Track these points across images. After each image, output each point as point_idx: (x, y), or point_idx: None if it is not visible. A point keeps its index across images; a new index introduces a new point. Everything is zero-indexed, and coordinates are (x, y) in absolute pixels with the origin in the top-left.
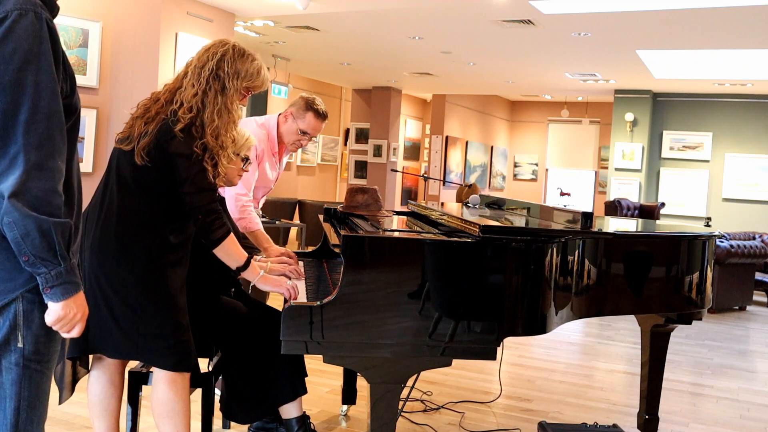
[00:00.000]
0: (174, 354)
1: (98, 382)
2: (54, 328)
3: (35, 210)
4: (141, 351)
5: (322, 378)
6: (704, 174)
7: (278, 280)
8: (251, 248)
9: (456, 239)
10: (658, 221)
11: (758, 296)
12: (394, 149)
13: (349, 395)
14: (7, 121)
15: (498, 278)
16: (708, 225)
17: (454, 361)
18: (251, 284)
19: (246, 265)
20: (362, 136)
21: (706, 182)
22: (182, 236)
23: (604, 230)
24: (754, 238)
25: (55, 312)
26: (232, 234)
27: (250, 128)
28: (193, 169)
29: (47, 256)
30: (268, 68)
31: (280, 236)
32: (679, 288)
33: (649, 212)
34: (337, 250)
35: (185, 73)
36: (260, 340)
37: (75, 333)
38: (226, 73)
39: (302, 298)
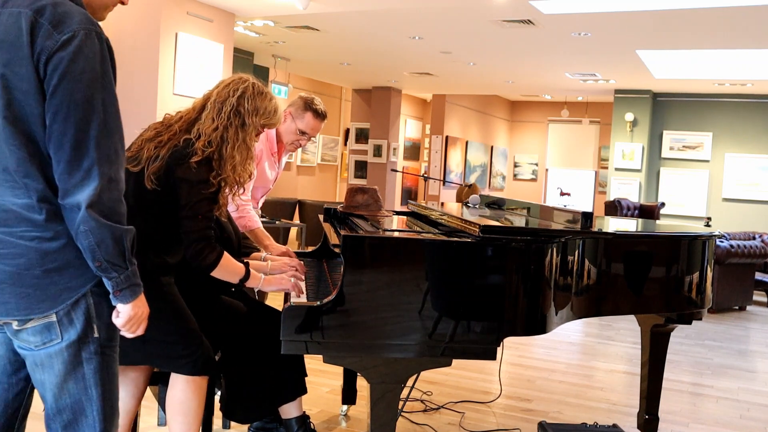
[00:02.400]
0: (186, 357)
1: (122, 382)
2: (123, 329)
3: (107, 219)
4: (152, 357)
5: (322, 378)
6: (704, 174)
7: (280, 279)
8: (251, 247)
9: (456, 239)
10: (658, 221)
11: (758, 296)
12: (394, 149)
13: (349, 395)
14: (79, 136)
15: (498, 278)
16: (708, 225)
17: (454, 361)
18: (256, 290)
19: (247, 275)
20: (362, 136)
21: (706, 182)
22: (178, 257)
23: (604, 230)
24: (754, 238)
25: (126, 313)
26: (225, 253)
27: None
28: (195, 196)
29: (118, 261)
30: (268, 68)
31: (280, 236)
32: (679, 288)
33: (649, 212)
34: (337, 250)
35: (203, 106)
36: (260, 340)
37: (140, 331)
38: (246, 110)
39: (302, 298)
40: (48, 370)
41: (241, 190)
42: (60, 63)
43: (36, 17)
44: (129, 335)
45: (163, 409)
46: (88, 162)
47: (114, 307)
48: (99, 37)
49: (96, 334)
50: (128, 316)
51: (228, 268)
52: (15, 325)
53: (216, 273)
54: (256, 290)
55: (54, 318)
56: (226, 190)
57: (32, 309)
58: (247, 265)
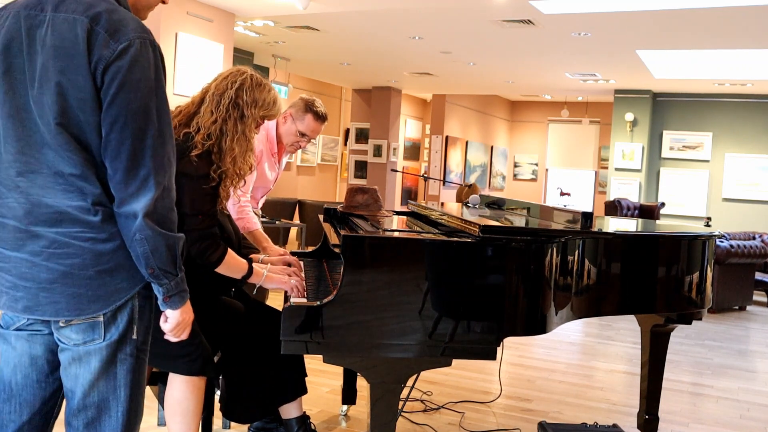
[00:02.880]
0: (184, 357)
1: None
2: (169, 333)
3: (161, 227)
4: (150, 357)
5: (322, 378)
6: (704, 174)
7: (282, 277)
8: (250, 248)
9: (456, 239)
10: (658, 221)
11: (758, 296)
12: (394, 149)
13: (349, 395)
14: (136, 146)
15: (498, 278)
16: (708, 225)
17: (454, 361)
18: (256, 286)
19: (250, 271)
20: (362, 136)
21: (706, 182)
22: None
23: (604, 230)
24: (754, 238)
25: (174, 318)
26: (229, 250)
27: None
28: (196, 192)
29: (170, 268)
30: (268, 68)
31: (280, 236)
32: (679, 288)
33: (649, 212)
34: (337, 250)
35: (202, 99)
36: (260, 340)
37: (184, 336)
38: (245, 102)
39: (302, 298)
40: (84, 366)
41: (242, 183)
42: (118, 72)
43: (92, 25)
44: (174, 339)
45: (164, 409)
46: (145, 171)
47: (154, 311)
48: (152, 45)
49: (134, 336)
50: (177, 321)
51: (231, 265)
52: (61, 322)
53: (220, 269)
54: (255, 288)
55: (101, 318)
56: (227, 182)
57: (83, 309)
58: (250, 261)
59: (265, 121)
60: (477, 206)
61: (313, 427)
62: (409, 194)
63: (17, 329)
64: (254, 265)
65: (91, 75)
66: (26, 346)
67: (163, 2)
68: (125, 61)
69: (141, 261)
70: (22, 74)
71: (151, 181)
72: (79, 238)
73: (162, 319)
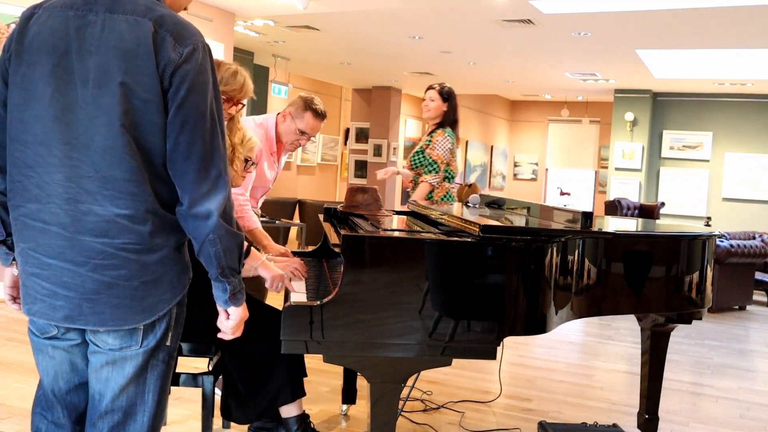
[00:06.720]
0: None
1: None
2: (229, 330)
3: (230, 226)
4: None
5: (322, 378)
6: (704, 173)
7: (276, 271)
8: (249, 246)
9: (456, 239)
10: (658, 221)
11: (758, 296)
12: (394, 149)
13: (349, 395)
14: (206, 147)
15: (498, 278)
16: (708, 225)
17: (454, 361)
18: (251, 274)
19: (247, 252)
20: (362, 135)
21: (706, 182)
22: None
23: (604, 230)
24: (754, 238)
25: (239, 315)
26: None
27: (248, 127)
28: None
29: (237, 266)
30: (268, 68)
31: (280, 236)
32: (679, 288)
33: (649, 212)
34: (337, 249)
35: None
36: (260, 339)
37: (239, 333)
38: None
39: (302, 297)
40: (118, 370)
41: None
42: (186, 76)
43: (156, 28)
44: (229, 338)
45: None
46: (215, 171)
47: (183, 317)
48: (208, 50)
49: (168, 343)
50: (240, 318)
51: None
52: (100, 329)
53: None
54: (250, 274)
55: (141, 327)
56: None
57: (127, 320)
58: (250, 244)
59: (267, 122)
60: (477, 206)
61: (312, 426)
62: (408, 194)
63: (53, 338)
64: (254, 250)
65: (159, 77)
66: (65, 355)
67: (185, 9)
68: (192, 65)
69: (212, 261)
70: (69, 74)
71: (222, 180)
72: (126, 249)
73: (223, 317)
